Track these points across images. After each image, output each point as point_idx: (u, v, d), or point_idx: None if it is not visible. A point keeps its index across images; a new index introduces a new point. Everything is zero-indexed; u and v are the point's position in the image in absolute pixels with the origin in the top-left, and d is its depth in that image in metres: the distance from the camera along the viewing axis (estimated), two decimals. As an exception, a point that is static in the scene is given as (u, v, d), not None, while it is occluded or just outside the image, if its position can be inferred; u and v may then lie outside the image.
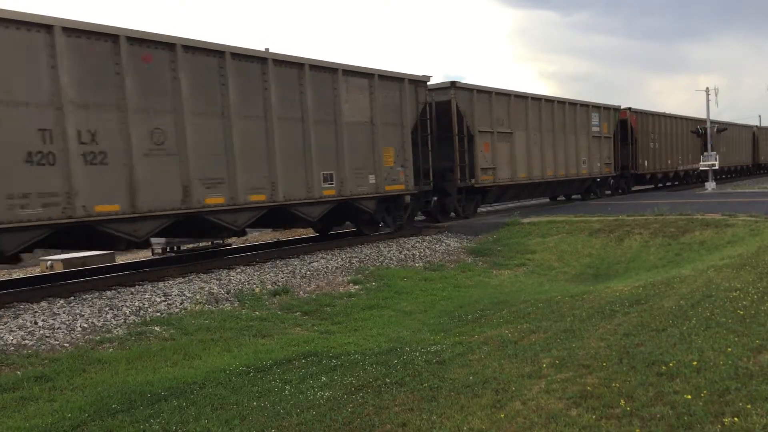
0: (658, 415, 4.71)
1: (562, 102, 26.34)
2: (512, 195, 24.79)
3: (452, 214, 21.47)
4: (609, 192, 31.11)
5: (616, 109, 30.83)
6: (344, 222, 18.88)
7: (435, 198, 20.88)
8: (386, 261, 15.35)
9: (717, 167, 34.79)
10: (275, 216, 14.91)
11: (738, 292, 8.32)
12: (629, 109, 31.91)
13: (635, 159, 32.32)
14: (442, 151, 20.51)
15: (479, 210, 23.08)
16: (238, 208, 13.60)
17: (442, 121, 20.60)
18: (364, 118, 16.86)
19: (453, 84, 20.75)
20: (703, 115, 37.42)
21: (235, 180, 13.42)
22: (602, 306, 8.74)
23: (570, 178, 26.85)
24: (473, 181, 21.14)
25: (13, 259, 10.91)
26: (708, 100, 36.74)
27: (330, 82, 15.75)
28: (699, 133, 36.92)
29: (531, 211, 23.52)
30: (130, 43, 11.56)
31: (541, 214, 21.57)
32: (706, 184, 33.91)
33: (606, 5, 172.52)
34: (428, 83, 19.30)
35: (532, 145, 24.18)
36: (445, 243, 17.94)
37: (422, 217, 21.69)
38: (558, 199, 30.14)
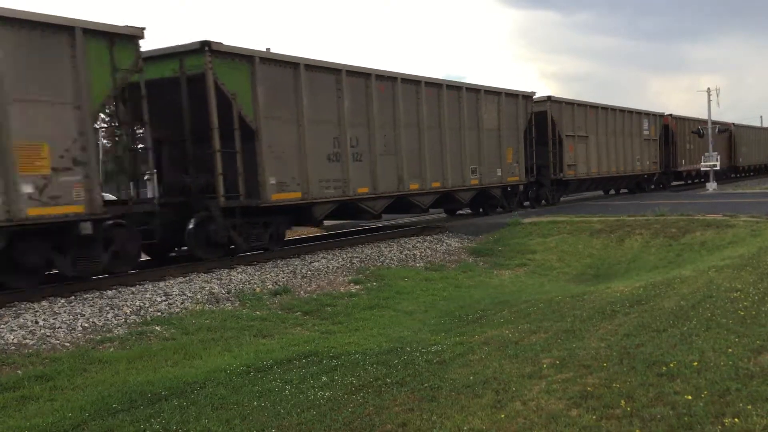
0: (659, 416, 4.71)
1: (622, 110, 31.46)
2: (585, 187, 29.86)
3: (543, 201, 26.07)
4: (653, 186, 35.88)
5: (661, 116, 35.86)
6: (479, 206, 23.33)
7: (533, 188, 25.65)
8: (387, 261, 15.35)
9: (718, 168, 34.86)
10: (443, 198, 20.49)
11: (739, 292, 8.31)
12: (670, 115, 36.66)
13: (675, 158, 36.81)
14: (538, 150, 25.05)
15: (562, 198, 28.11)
16: (426, 192, 19.30)
17: (540, 127, 24.98)
18: (494, 126, 22.22)
19: (549, 98, 25.83)
20: (704, 116, 37.46)
21: (426, 173, 19.11)
22: (603, 306, 8.74)
23: (627, 174, 32.17)
24: (561, 175, 26.33)
25: (320, 224, 17.32)
26: (709, 101, 36.75)
27: (475, 100, 21.25)
28: (701, 133, 36.94)
29: (533, 212, 23.52)
30: (377, 80, 17.33)
31: (543, 214, 21.57)
32: (707, 184, 33.90)
33: (608, 5, 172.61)
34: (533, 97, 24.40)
35: (601, 146, 29.46)
36: (446, 243, 17.95)
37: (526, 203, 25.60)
38: (609, 192, 34.68)
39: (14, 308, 9.99)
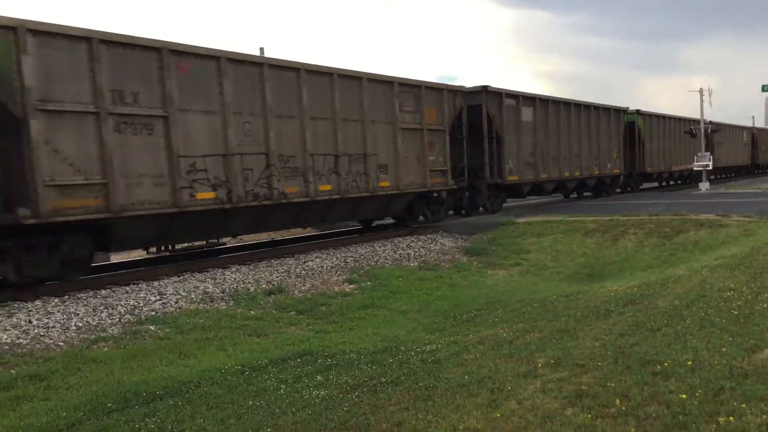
0: (654, 415, 4.73)
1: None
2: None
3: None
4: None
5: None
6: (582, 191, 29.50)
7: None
8: (381, 260, 15.35)
9: (711, 167, 34.96)
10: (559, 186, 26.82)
11: (732, 292, 8.35)
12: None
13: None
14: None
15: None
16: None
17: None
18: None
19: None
20: (697, 116, 37.60)
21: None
22: (597, 306, 8.76)
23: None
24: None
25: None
26: (702, 101, 36.88)
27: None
28: (693, 133, 37.06)
29: (527, 211, 23.55)
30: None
31: (537, 213, 21.61)
32: (699, 184, 34.01)
33: (600, 6, 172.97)
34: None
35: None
36: (440, 243, 17.96)
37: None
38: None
39: (7, 307, 9.94)
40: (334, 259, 14.82)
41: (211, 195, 12.89)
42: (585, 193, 30.54)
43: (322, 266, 14.16)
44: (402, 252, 16.37)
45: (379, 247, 16.65)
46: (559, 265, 15.57)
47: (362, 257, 15.34)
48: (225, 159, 13.21)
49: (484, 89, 21.57)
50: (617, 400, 5.05)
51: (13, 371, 7.52)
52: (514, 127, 22.95)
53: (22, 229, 10.51)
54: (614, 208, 22.07)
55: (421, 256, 16.23)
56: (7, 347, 8.32)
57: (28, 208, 10.29)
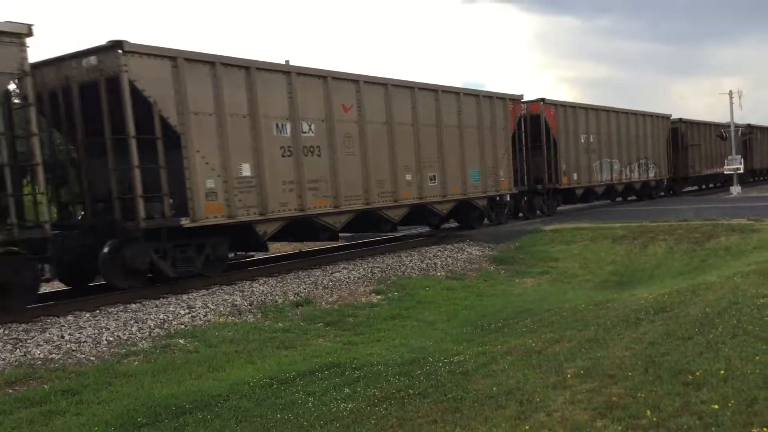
0: (685, 426, 4.65)
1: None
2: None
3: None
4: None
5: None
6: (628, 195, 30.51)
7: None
8: (408, 270, 15.33)
9: (741, 171, 34.42)
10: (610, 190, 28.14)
11: (765, 299, 8.19)
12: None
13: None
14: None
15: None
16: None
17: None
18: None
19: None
20: (727, 119, 37.15)
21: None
22: (627, 314, 8.66)
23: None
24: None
25: None
26: (731, 103, 36.35)
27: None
28: (723, 136, 36.53)
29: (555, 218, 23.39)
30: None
31: (564, 221, 21.44)
32: (731, 188, 33.49)
33: (628, 9, 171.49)
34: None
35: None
36: (467, 252, 17.89)
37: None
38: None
39: (40, 323, 10.12)
40: (361, 270, 14.84)
41: (324, 202, 15.15)
42: (629, 197, 31.87)
43: (349, 277, 14.19)
44: (429, 262, 16.34)
45: (406, 257, 16.64)
46: (588, 273, 15.41)
47: (389, 267, 15.34)
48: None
49: (542, 100, 23.89)
50: (648, 411, 4.98)
51: (45, 386, 7.64)
52: (568, 135, 24.91)
53: (176, 233, 12.10)
54: (645, 213, 21.81)
55: (448, 266, 16.18)
56: (40, 362, 8.46)
57: (188, 215, 11.96)
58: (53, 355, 8.72)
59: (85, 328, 9.86)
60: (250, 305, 11.67)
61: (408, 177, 17.19)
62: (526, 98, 23.19)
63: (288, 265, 15.15)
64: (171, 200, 11.96)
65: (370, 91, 16.04)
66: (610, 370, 6.14)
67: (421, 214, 18.74)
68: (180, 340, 9.57)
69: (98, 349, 9.13)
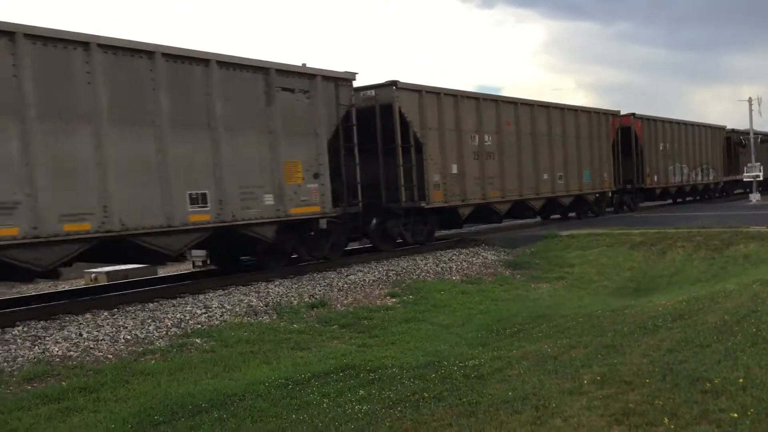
0: (704, 434, 4.61)
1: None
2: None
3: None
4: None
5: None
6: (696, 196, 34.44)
7: None
8: (423, 274, 15.32)
9: (761, 178, 34.13)
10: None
11: (786, 307, 8.10)
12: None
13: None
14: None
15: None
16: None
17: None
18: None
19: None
20: (746, 126, 36.88)
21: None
22: (644, 321, 8.59)
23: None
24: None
25: None
26: (751, 110, 36.04)
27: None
28: (743, 143, 36.24)
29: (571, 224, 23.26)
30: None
31: (582, 227, 21.31)
32: (750, 195, 33.18)
33: (646, 15, 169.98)
34: None
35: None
36: (482, 256, 17.85)
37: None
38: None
39: (59, 320, 10.23)
40: (376, 273, 14.85)
41: (497, 193, 20.24)
42: (687, 198, 35.27)
43: (364, 280, 14.20)
44: (444, 265, 16.32)
45: (421, 260, 16.63)
46: (605, 279, 15.32)
47: (404, 271, 15.34)
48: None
49: (633, 115, 28.81)
50: (665, 419, 4.94)
51: (63, 383, 7.71)
52: (650, 143, 29.71)
53: (415, 211, 17.86)
54: (662, 220, 21.64)
55: (464, 270, 16.15)
56: (58, 359, 8.55)
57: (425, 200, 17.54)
58: (71, 353, 8.81)
59: (103, 326, 9.96)
60: (266, 306, 11.72)
61: (545, 176, 22.41)
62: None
63: (303, 267, 15.20)
64: (417, 189, 17.43)
65: (522, 110, 21.36)
66: (627, 376, 6.10)
67: (552, 206, 23.69)
68: (197, 340, 9.63)
69: (116, 347, 9.21)
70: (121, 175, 11.04)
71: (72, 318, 10.37)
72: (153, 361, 8.66)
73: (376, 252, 17.66)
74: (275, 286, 13.08)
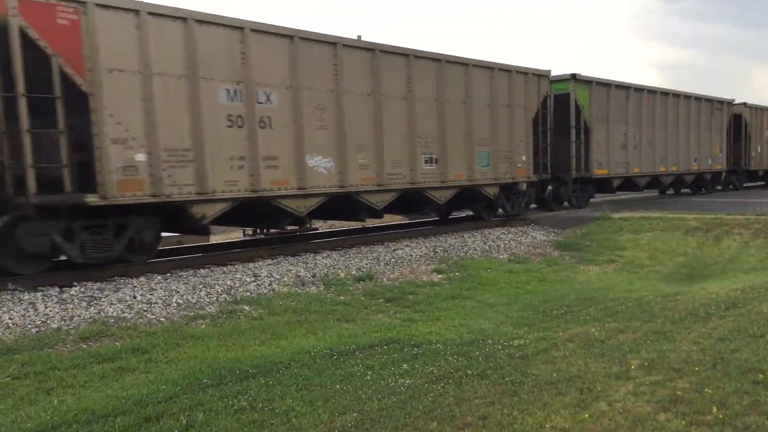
0: (753, 426, 4.52)
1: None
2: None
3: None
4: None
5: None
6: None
7: None
8: (470, 251, 15.26)
9: None
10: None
11: None
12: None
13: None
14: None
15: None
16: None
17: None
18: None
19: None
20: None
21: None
22: (696, 308, 8.41)
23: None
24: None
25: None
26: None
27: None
28: None
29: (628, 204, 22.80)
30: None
31: (634, 209, 20.88)
32: None
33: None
34: None
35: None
36: (531, 236, 17.67)
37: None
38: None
39: (114, 283, 10.56)
40: (423, 249, 14.86)
41: (638, 169, 24.52)
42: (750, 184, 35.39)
43: (411, 255, 14.23)
44: (492, 243, 16.22)
45: (469, 237, 16.56)
46: (657, 264, 15.01)
47: (451, 247, 15.30)
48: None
49: (744, 104, 31.61)
50: (714, 408, 4.85)
51: (117, 343, 7.98)
52: (758, 130, 32.55)
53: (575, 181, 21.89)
54: (719, 205, 21.03)
55: (511, 249, 16.03)
56: (113, 320, 8.84)
57: (590, 172, 22.03)
58: (125, 314, 9.09)
59: (156, 290, 10.24)
60: (313, 277, 11.87)
61: (676, 157, 26.85)
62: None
63: (351, 240, 15.32)
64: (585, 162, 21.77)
65: (660, 99, 25.50)
66: (676, 363, 5.99)
67: (678, 182, 28.05)
68: (245, 307, 9.82)
69: (168, 310, 9.47)
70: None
71: (127, 281, 10.70)
72: (203, 326, 8.88)
73: (478, 221, 19.10)
74: (323, 258, 13.22)
